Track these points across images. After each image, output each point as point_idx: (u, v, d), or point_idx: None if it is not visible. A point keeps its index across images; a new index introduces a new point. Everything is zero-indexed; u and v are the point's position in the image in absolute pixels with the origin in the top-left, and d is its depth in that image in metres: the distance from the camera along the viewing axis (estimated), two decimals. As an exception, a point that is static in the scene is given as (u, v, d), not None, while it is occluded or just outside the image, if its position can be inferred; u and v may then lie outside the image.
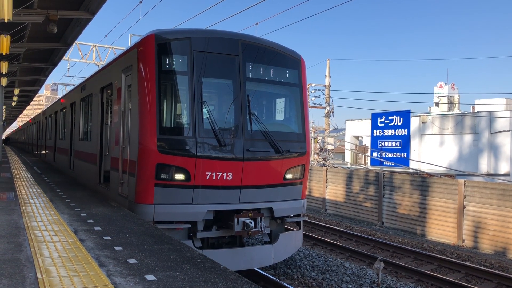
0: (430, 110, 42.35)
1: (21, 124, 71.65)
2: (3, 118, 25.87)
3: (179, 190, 7.73)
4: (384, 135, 34.53)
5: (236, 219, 7.92)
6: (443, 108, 41.75)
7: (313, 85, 32.52)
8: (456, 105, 42.31)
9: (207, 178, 7.82)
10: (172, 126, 8.35)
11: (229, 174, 7.97)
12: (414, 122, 34.59)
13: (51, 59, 17.82)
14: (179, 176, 7.71)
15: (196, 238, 8.05)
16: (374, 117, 35.33)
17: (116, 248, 5.31)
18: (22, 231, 6.03)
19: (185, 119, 8.15)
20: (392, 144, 33.86)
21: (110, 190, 9.73)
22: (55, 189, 10.90)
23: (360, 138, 42.60)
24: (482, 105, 35.37)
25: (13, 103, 31.53)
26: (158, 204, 7.70)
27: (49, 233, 6.03)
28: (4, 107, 31.41)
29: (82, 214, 7.49)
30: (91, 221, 6.94)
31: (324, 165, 29.37)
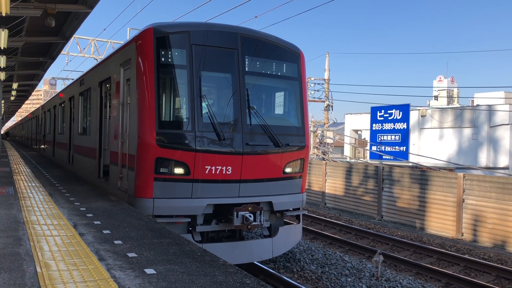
0: (429, 104, 42.31)
1: (19, 118, 71.58)
2: (2, 112, 25.83)
3: (179, 184, 7.73)
4: (383, 129, 34.53)
5: (235, 213, 7.93)
6: (443, 102, 41.72)
7: (312, 79, 32.46)
8: (456, 98, 42.28)
9: (207, 172, 7.82)
10: (171, 120, 8.33)
11: (229, 168, 7.96)
12: (414, 116, 34.57)
13: (50, 53, 17.76)
14: (179, 170, 7.70)
15: (195, 232, 8.05)
16: (374, 111, 35.31)
17: (116, 242, 5.31)
18: (22, 225, 6.03)
19: (184, 113, 8.13)
20: (391, 138, 33.86)
21: (109, 184, 9.72)
22: (54, 184, 10.90)
23: (359, 132, 42.59)
24: (482, 98, 35.34)
25: (12, 98, 31.48)
26: (158, 198, 7.70)
27: (49, 227, 6.03)
28: (3, 101, 31.34)
29: (81, 208, 7.49)
30: (91, 215, 6.94)
31: (323, 159, 29.37)
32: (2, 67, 15.12)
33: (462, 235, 14.68)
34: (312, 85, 32.41)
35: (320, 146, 31.62)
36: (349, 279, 9.42)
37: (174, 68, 8.12)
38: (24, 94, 34.15)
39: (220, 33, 8.30)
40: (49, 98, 25.42)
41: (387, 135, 34.16)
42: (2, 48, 11.74)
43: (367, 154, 37.62)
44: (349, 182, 19.91)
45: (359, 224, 16.07)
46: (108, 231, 5.84)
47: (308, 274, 9.63)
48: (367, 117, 37.35)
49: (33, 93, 38.61)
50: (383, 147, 33.45)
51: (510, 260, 11.68)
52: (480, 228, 14.25)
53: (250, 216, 7.97)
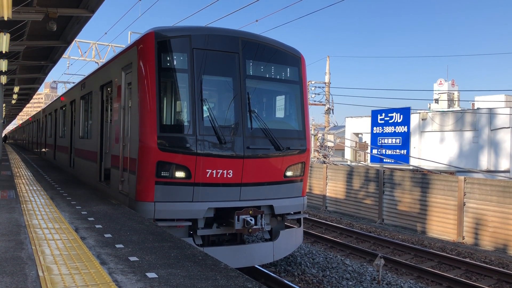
0: (430, 107, 42.28)
1: (20, 122, 71.71)
2: (3, 116, 25.86)
3: (180, 188, 7.74)
4: (384, 132, 34.50)
5: (236, 217, 7.93)
6: (443, 105, 41.70)
7: (313, 82, 32.48)
8: (456, 102, 42.27)
9: (208, 175, 7.83)
10: (173, 123, 8.35)
11: (230, 172, 7.97)
12: (414, 119, 34.57)
13: (51, 57, 17.81)
14: (180, 174, 7.71)
15: (196, 236, 8.06)
16: (374, 114, 35.28)
17: (117, 245, 5.32)
18: (23, 229, 6.04)
19: (185, 117, 8.15)
20: (392, 141, 33.84)
21: (110, 188, 9.74)
22: (55, 187, 10.91)
23: (360, 135, 42.59)
24: (482, 101, 35.36)
25: (13, 101, 31.52)
26: (159, 201, 7.71)
27: (50, 231, 6.04)
28: (4, 105, 31.40)
29: (82, 212, 7.50)
30: (92, 219, 6.95)
31: (324, 162, 29.37)
32: (3, 71, 15.16)
33: (463, 239, 14.66)
34: (313, 88, 32.43)
35: (320, 149, 31.63)
36: (350, 283, 9.42)
37: (175, 72, 8.14)
38: (25, 97, 34.20)
39: (221, 37, 8.33)
40: (50, 102, 25.46)
41: (387, 138, 34.14)
42: (3, 52, 11.77)
43: (368, 157, 37.59)
44: (350, 185, 19.91)
45: (360, 228, 16.05)
46: (109, 235, 5.85)
47: (309, 277, 9.62)
48: (368, 120, 37.33)
49: (34, 97, 38.67)
50: (383, 150, 33.42)
51: (511, 264, 11.67)
52: (481, 231, 14.23)
53: (251, 220, 7.97)
